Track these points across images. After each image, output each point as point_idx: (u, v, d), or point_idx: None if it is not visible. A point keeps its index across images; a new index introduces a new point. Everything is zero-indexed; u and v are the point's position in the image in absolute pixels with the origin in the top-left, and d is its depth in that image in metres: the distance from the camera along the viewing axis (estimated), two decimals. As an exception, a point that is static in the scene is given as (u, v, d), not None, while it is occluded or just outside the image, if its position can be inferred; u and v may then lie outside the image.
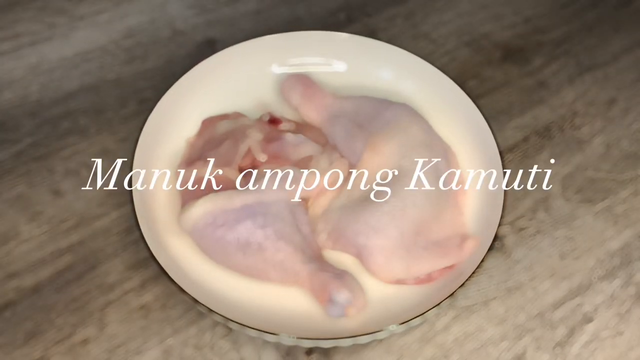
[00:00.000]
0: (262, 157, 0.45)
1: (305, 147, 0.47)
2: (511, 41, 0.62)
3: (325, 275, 0.40)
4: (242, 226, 0.41)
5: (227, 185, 0.43)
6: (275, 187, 0.42)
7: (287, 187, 0.43)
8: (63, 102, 0.54)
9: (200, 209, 0.41)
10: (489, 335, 0.42)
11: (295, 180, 0.44)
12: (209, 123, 0.49)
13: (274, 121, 0.49)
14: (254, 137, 0.46)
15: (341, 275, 0.40)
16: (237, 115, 0.49)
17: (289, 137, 0.47)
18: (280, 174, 0.44)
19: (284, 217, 0.41)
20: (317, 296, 0.40)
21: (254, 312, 0.40)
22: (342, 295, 0.39)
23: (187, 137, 0.49)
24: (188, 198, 0.42)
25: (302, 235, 0.42)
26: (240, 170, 0.45)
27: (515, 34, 0.63)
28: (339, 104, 0.49)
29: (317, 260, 0.41)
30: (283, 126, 0.49)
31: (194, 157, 0.45)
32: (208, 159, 0.44)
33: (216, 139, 0.46)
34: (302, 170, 0.44)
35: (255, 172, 0.45)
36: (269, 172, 0.44)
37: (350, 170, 0.47)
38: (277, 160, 0.46)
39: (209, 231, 0.41)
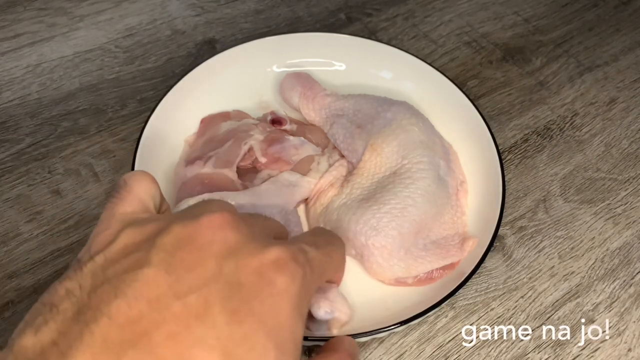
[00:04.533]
0: (262, 159, 0.45)
1: (306, 150, 0.46)
2: (511, 41, 0.62)
3: None
4: None
5: (225, 185, 0.43)
6: (272, 192, 0.42)
7: (283, 194, 0.43)
8: (63, 102, 0.54)
9: None
10: (488, 335, 0.42)
11: (293, 188, 0.43)
12: (208, 121, 0.49)
13: (276, 121, 0.49)
14: (256, 138, 0.46)
15: (324, 288, 0.38)
16: (239, 114, 0.49)
17: (291, 139, 0.47)
18: (278, 179, 0.44)
19: None
20: None
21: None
22: (321, 311, 0.37)
23: (188, 137, 0.49)
24: (183, 196, 0.42)
25: None
26: (240, 170, 0.45)
27: (515, 34, 0.63)
28: (339, 103, 0.49)
29: None
30: (286, 126, 0.48)
31: (194, 156, 0.45)
32: (208, 157, 0.44)
33: (218, 139, 0.46)
34: (299, 175, 0.44)
35: (257, 175, 0.45)
36: (267, 177, 0.44)
37: (351, 170, 0.47)
38: (278, 162, 0.46)
39: None
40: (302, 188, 0.44)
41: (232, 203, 0.41)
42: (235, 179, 0.44)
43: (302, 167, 0.45)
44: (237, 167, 0.45)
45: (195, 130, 0.49)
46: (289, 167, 0.45)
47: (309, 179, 0.44)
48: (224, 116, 0.49)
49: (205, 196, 0.41)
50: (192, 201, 0.41)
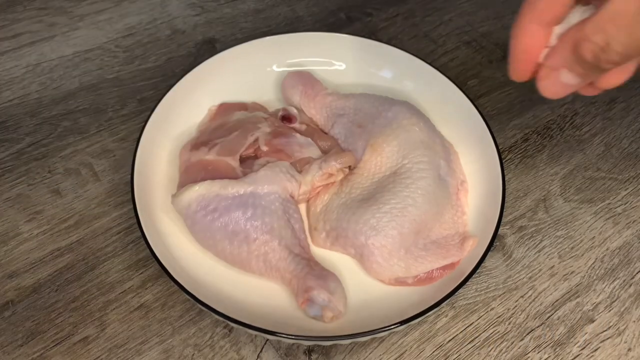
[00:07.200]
0: (264, 148, 0.45)
1: (310, 151, 0.46)
2: (511, 41, 0.62)
3: (308, 275, 0.39)
4: (231, 215, 0.41)
5: (226, 172, 0.43)
6: (269, 178, 0.42)
7: (279, 180, 0.43)
8: (63, 102, 0.54)
9: (194, 194, 0.41)
10: (488, 335, 0.42)
11: (290, 177, 0.43)
12: (224, 109, 0.49)
13: (286, 118, 0.49)
14: (263, 130, 0.46)
15: (325, 276, 0.40)
16: (254, 106, 0.50)
17: (297, 136, 0.47)
18: (277, 167, 0.44)
19: (274, 210, 0.41)
20: (297, 295, 0.40)
21: (254, 311, 0.40)
22: (320, 297, 0.38)
23: (188, 137, 0.49)
24: (185, 181, 0.43)
25: (292, 231, 0.42)
26: (242, 159, 0.45)
27: (515, 34, 0.63)
28: (340, 102, 0.49)
29: (304, 258, 0.41)
30: (295, 124, 0.48)
31: (200, 141, 0.45)
32: (214, 144, 0.44)
33: (227, 127, 0.46)
34: (295, 170, 0.44)
35: (255, 162, 0.45)
36: (265, 163, 0.44)
37: (351, 169, 0.47)
38: (279, 153, 0.45)
39: (200, 216, 0.41)
40: (295, 182, 0.44)
41: (233, 191, 0.41)
42: (237, 167, 0.44)
43: (300, 165, 0.45)
44: (240, 156, 0.45)
45: (195, 133, 0.49)
46: (289, 161, 0.45)
47: (301, 177, 0.44)
48: (241, 106, 0.49)
49: (208, 182, 0.41)
50: (195, 187, 0.41)
